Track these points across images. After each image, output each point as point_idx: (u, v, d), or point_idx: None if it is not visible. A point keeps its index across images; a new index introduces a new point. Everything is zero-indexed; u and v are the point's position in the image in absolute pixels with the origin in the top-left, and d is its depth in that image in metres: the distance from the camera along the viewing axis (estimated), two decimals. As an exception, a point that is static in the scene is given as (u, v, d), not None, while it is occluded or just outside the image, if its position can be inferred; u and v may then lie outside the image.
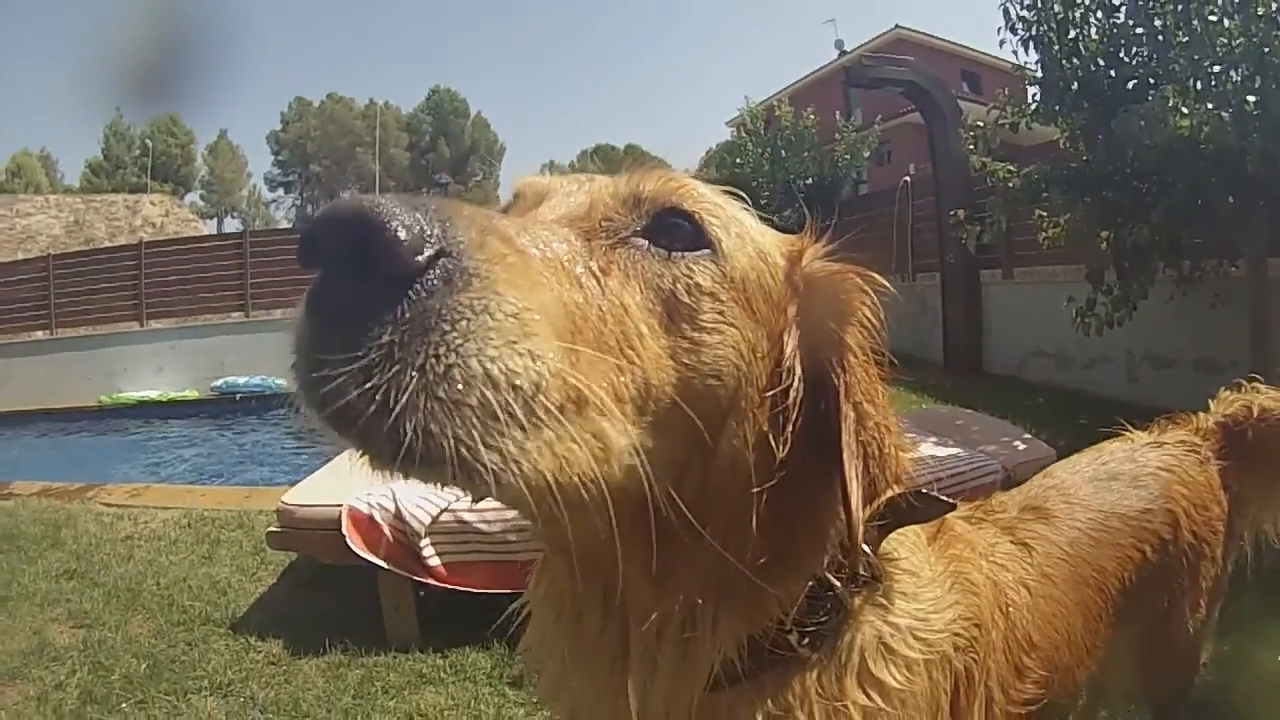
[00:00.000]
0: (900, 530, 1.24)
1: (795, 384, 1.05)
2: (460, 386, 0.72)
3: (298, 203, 72.65)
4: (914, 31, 32.47)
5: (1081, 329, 6.93)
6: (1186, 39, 5.70)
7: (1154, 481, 1.97)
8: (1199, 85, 5.57)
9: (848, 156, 17.77)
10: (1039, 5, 6.53)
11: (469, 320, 0.74)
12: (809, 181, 17.51)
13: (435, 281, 0.74)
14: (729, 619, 1.06)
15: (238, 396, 15.52)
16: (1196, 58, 5.57)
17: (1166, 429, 2.22)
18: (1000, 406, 8.20)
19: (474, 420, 0.73)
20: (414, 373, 0.72)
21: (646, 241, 1.00)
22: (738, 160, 18.57)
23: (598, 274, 0.92)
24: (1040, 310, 10.00)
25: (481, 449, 0.73)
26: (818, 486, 1.06)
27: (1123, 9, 6.39)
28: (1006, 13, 6.71)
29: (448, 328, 0.73)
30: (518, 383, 0.75)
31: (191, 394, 16.28)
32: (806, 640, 1.11)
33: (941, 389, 10.50)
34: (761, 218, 1.16)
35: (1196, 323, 7.54)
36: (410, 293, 0.73)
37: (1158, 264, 6.68)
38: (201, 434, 14.09)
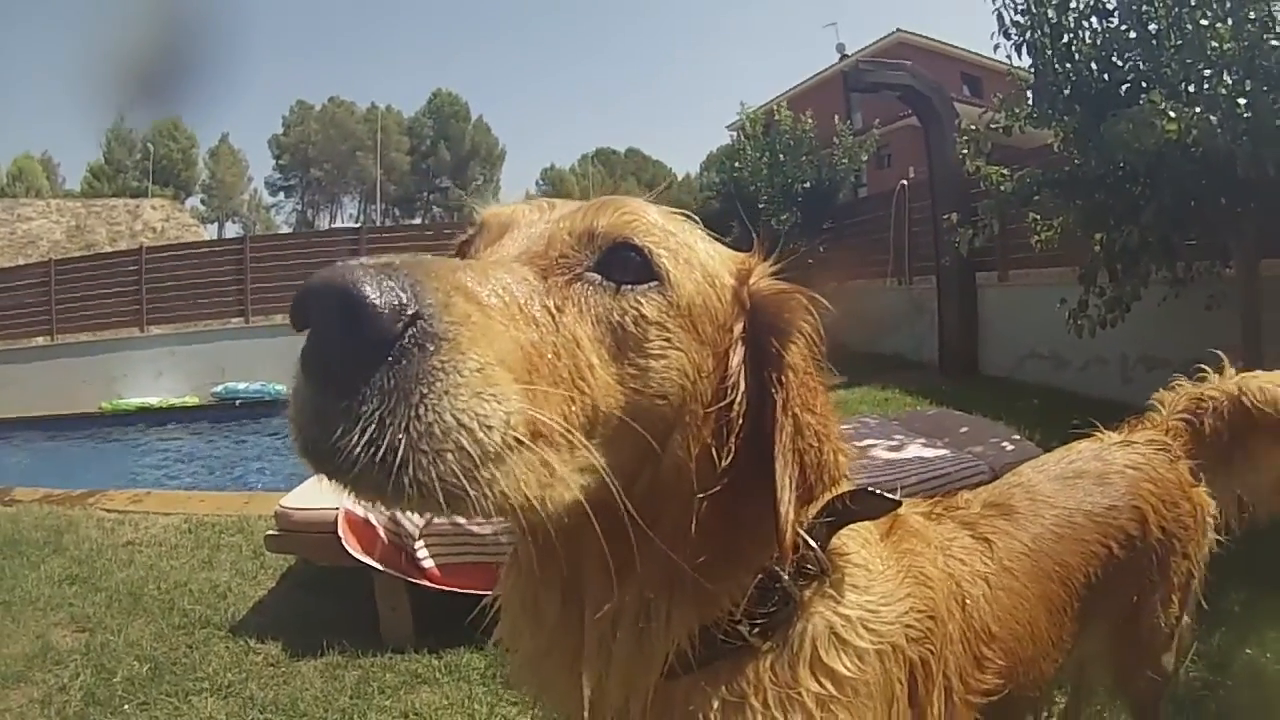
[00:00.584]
0: (852, 526, 1.32)
1: (739, 398, 1.13)
2: (440, 437, 0.83)
3: (298, 207, 72.85)
4: (916, 35, 32.49)
5: (1074, 331, 6.96)
6: (1179, 42, 5.75)
7: (1121, 479, 2.00)
8: (1191, 89, 5.62)
9: (845, 160, 17.78)
10: (1032, 10, 6.56)
11: (442, 380, 0.84)
12: (807, 185, 17.50)
13: (411, 346, 0.83)
14: (680, 611, 1.13)
15: (238, 402, 15.56)
16: (1189, 61, 5.61)
17: (1136, 428, 2.26)
18: (995, 408, 8.23)
19: (454, 463, 0.84)
20: (401, 434, 0.82)
21: (599, 276, 1.07)
22: (736, 164, 18.62)
23: (553, 311, 1.01)
24: (1035, 312, 10.02)
25: (464, 484, 0.84)
26: (763, 488, 1.12)
27: (1116, 13, 6.43)
28: (1000, 18, 6.76)
29: (425, 389, 0.83)
30: (488, 426, 0.86)
31: (192, 400, 16.35)
32: (757, 630, 1.18)
33: (937, 391, 10.56)
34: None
35: (1190, 325, 7.54)
36: (390, 358, 0.82)
37: (1150, 266, 6.69)
38: (201, 440, 14.14)
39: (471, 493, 0.85)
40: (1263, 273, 6.72)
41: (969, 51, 28.89)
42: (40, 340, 17.54)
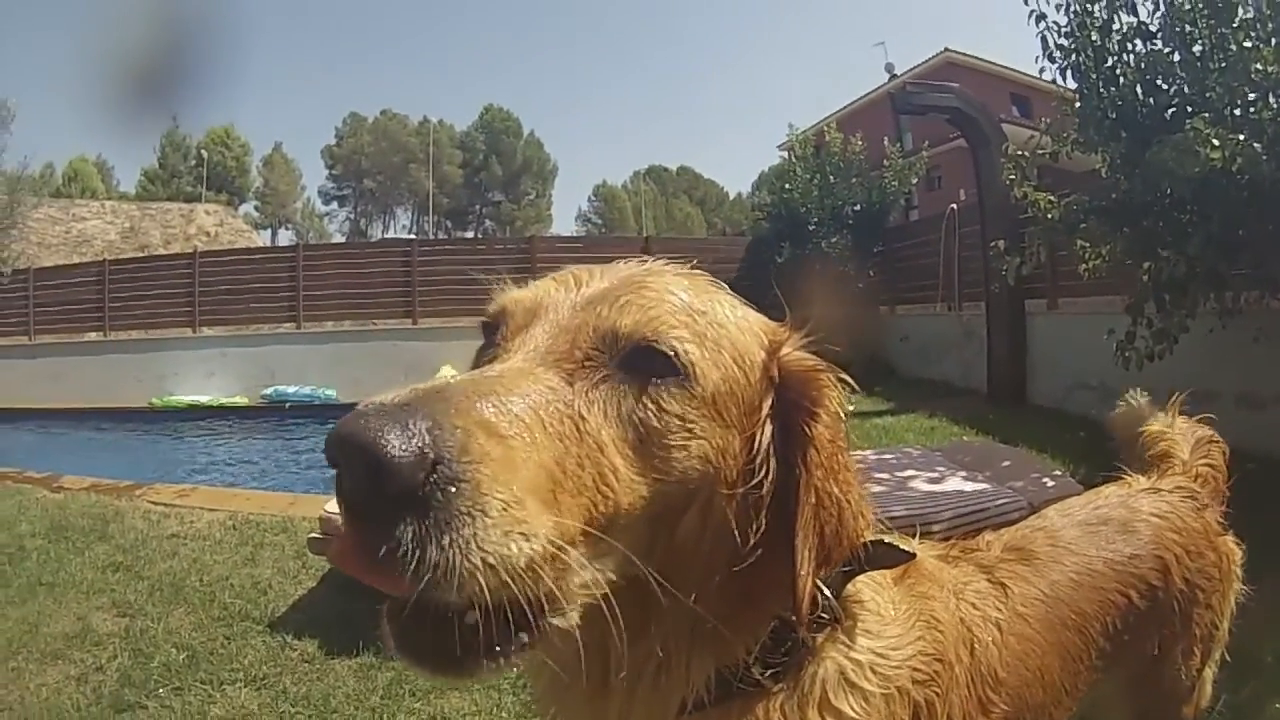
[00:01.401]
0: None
1: (769, 475, 1.16)
2: (470, 574, 0.89)
3: (351, 216, 73.60)
4: (964, 55, 32.39)
5: (1122, 363, 6.79)
6: (1223, 64, 5.68)
7: (1145, 528, 1.98)
8: (1237, 113, 5.53)
9: (895, 183, 17.68)
10: (1076, 33, 6.52)
11: (469, 525, 0.89)
12: (857, 207, 17.39)
13: (433, 494, 0.88)
14: (699, 659, 1.18)
15: (286, 405, 15.83)
16: (1235, 85, 5.53)
17: (1165, 474, 2.22)
18: (1040, 440, 8.16)
19: (485, 584, 0.90)
20: (436, 571, 0.88)
21: (624, 374, 1.11)
22: (786, 185, 18.56)
23: (578, 419, 1.05)
24: (1084, 342, 9.84)
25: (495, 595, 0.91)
26: (785, 548, 1.16)
27: (1159, 36, 6.35)
28: (1045, 40, 6.72)
29: (454, 535, 0.88)
30: (516, 563, 0.92)
31: (241, 400, 16.63)
32: (770, 673, 1.22)
33: (983, 420, 10.36)
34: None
35: (1239, 357, 7.41)
36: (417, 508, 0.88)
37: (1198, 297, 6.52)
38: (249, 440, 14.37)
39: (501, 594, 0.92)
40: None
41: (1018, 72, 28.60)
42: (93, 336, 17.96)
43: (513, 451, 0.95)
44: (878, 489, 4.33)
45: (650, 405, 1.09)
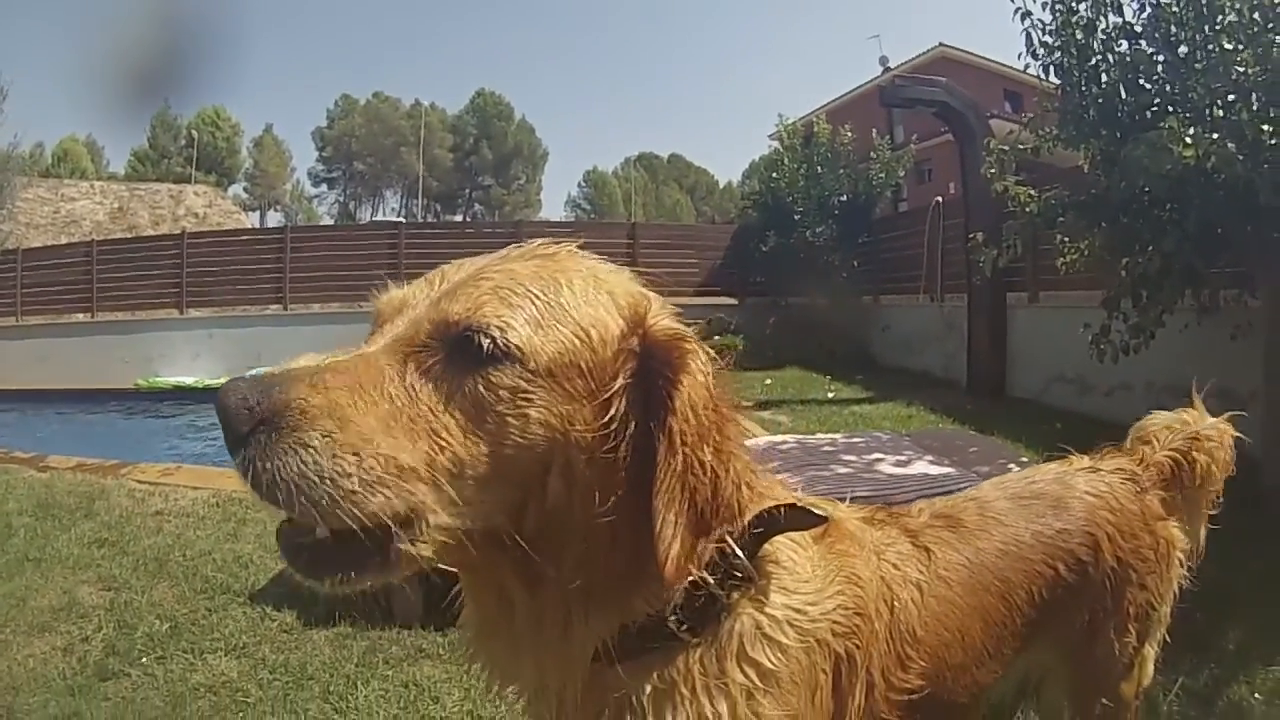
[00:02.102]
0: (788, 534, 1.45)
1: (624, 442, 1.24)
2: (306, 484, 1.11)
3: (341, 199, 73.28)
4: (958, 50, 32.41)
5: (1096, 356, 6.86)
6: (1202, 64, 5.74)
7: (1079, 504, 2.02)
8: (1219, 113, 5.58)
9: (882, 175, 17.79)
10: (1060, 32, 6.56)
11: (293, 449, 1.11)
12: (844, 198, 17.55)
13: (263, 432, 1.12)
14: (600, 613, 1.28)
15: (272, 386, 15.78)
16: (1216, 86, 5.60)
17: (1107, 456, 2.26)
18: (1017, 430, 8.26)
19: (325, 496, 1.10)
20: (281, 481, 1.11)
21: (455, 354, 1.23)
22: (774, 175, 18.68)
23: (411, 388, 1.21)
24: (1063, 335, 9.85)
25: (339, 507, 1.11)
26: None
27: (1144, 36, 6.37)
28: (1029, 37, 6.76)
29: (280, 458, 1.11)
30: (346, 472, 1.12)
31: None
32: (686, 627, 1.31)
33: (961, 410, 10.48)
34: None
35: (1217, 353, 7.46)
36: (251, 442, 1.12)
37: (1175, 293, 6.53)
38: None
39: (343, 512, 1.10)
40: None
41: (1011, 67, 28.66)
42: (80, 317, 17.95)
43: (337, 405, 1.14)
44: (843, 470, 4.41)
45: (479, 380, 1.21)
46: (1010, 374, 12.34)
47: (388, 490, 1.13)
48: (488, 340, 1.21)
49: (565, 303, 1.28)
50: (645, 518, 1.22)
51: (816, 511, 1.44)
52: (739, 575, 1.35)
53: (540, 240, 1.40)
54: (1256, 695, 3.52)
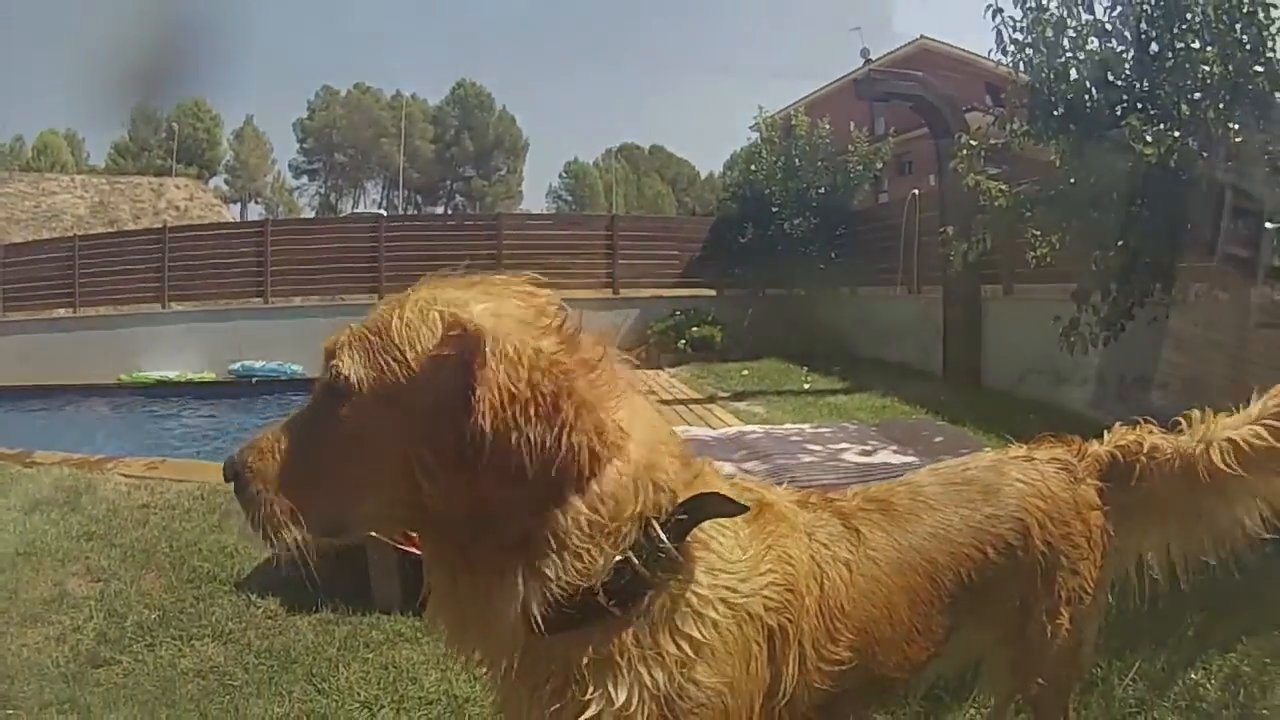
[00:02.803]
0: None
1: (463, 434, 1.37)
2: (256, 522, 1.51)
3: (322, 190, 72.62)
4: (940, 43, 32.34)
5: (1067, 348, 6.99)
6: (1171, 63, 5.87)
7: (1010, 491, 2.10)
8: (1186, 112, 5.71)
9: (860, 167, 17.91)
10: (1031, 29, 6.66)
11: (246, 498, 1.53)
12: (822, 191, 17.62)
13: (236, 488, 1.54)
14: (515, 584, 1.41)
15: (254, 380, 15.91)
16: (1184, 84, 5.71)
17: (1043, 445, 2.32)
18: (990, 421, 8.31)
19: (269, 528, 1.50)
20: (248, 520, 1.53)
21: (326, 391, 1.51)
22: (752, 167, 18.80)
23: (309, 437, 1.53)
24: (1037, 327, 9.78)
25: (273, 537, 1.50)
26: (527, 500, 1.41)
27: (1114, 35, 6.48)
28: (1000, 34, 6.88)
29: (244, 509, 1.53)
30: (259, 507, 1.51)
31: (209, 376, 16.65)
32: (614, 602, 1.44)
33: (935, 401, 10.47)
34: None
35: (1187, 347, 7.52)
36: (234, 492, 1.55)
37: (1146, 286, 6.66)
38: (217, 414, 14.39)
39: (277, 541, 1.49)
40: (1254, 299, 6.73)
41: (994, 61, 28.65)
42: (61, 312, 17.86)
43: (267, 463, 1.51)
44: (809, 460, 4.54)
45: (331, 410, 1.48)
46: (985, 365, 12.41)
47: (297, 523, 1.47)
48: (341, 380, 1.45)
49: (391, 332, 1.46)
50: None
51: (738, 502, 1.56)
52: (663, 555, 1.47)
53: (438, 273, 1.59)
54: (1212, 681, 3.56)
